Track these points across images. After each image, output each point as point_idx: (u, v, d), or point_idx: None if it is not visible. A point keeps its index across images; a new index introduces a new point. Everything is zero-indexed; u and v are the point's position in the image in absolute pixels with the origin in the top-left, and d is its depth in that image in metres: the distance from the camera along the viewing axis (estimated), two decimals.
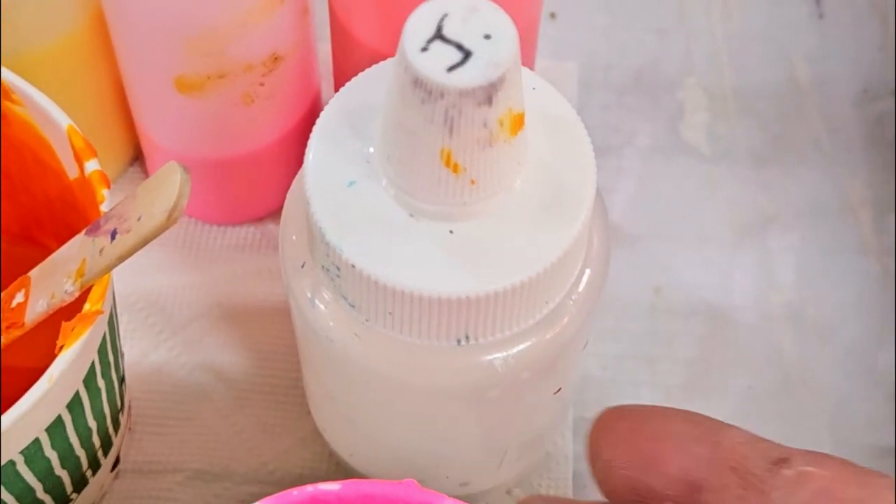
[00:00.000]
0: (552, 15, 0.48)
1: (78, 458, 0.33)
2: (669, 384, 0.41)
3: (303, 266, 0.30)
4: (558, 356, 0.30)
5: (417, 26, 0.25)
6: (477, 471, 0.35)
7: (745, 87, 0.47)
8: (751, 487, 0.26)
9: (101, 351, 0.32)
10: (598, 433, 0.29)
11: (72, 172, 0.33)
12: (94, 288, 0.30)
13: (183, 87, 0.36)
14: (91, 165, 0.32)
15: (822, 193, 0.45)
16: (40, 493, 0.32)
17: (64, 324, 0.30)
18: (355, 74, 0.30)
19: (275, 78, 0.37)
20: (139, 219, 0.27)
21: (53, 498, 0.33)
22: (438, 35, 0.25)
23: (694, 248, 0.43)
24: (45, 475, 0.32)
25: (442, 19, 0.25)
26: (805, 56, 0.48)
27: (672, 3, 0.49)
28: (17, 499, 0.32)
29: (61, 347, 0.29)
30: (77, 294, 0.30)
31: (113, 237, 0.28)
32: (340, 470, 0.38)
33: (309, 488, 0.26)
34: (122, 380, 0.35)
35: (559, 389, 0.32)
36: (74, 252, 0.30)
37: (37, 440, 0.30)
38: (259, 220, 0.43)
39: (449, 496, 0.25)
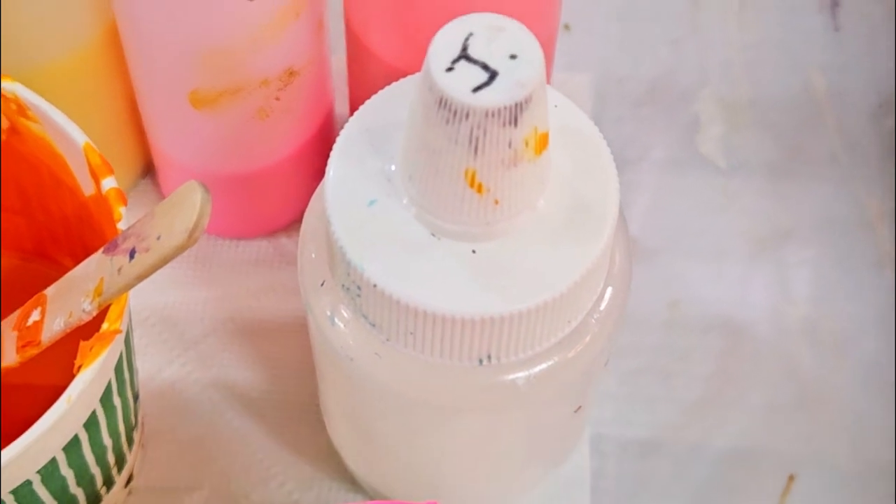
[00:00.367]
0: (566, 27, 0.48)
1: (93, 475, 0.33)
2: (685, 399, 0.40)
3: (322, 284, 0.29)
4: (580, 375, 0.30)
5: (443, 46, 0.25)
6: (495, 489, 0.35)
7: (761, 100, 0.47)
8: None
9: (118, 369, 0.31)
10: None
11: (87, 189, 0.33)
12: (112, 307, 0.30)
13: (197, 102, 0.36)
14: (108, 183, 0.32)
15: (839, 207, 0.44)
16: None
17: (82, 343, 0.30)
18: (371, 88, 0.29)
19: (290, 92, 0.37)
20: (158, 238, 0.27)
21: None
22: (464, 55, 0.25)
23: (710, 262, 0.43)
24: (61, 493, 0.32)
25: (467, 39, 0.25)
26: (821, 68, 0.47)
27: (687, 15, 0.49)
28: None
29: (79, 367, 0.29)
30: (95, 313, 0.30)
31: (132, 256, 0.28)
32: (357, 488, 0.38)
33: None
34: (136, 396, 0.35)
35: (579, 408, 0.32)
36: (92, 270, 0.30)
37: (53, 459, 0.30)
38: (272, 234, 0.42)
39: None
